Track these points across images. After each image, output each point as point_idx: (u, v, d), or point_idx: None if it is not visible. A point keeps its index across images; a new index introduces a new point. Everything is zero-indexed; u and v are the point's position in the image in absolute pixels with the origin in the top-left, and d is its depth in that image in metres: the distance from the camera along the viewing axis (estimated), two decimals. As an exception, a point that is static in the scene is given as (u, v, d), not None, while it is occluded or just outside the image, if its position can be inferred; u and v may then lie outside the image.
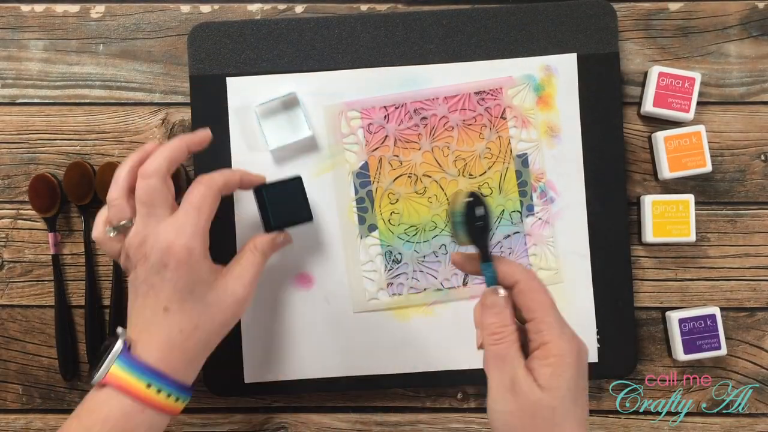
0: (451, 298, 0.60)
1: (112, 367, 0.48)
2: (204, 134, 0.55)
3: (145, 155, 0.53)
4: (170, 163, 0.52)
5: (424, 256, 0.60)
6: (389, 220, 0.61)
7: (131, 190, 0.52)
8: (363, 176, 0.61)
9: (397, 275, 0.60)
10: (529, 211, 0.61)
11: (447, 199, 0.60)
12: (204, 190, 0.52)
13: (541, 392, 0.44)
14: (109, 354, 0.49)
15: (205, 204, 0.51)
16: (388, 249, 0.61)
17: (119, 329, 0.51)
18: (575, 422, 0.44)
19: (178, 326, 0.50)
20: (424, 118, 0.60)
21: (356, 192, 0.61)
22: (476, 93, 0.60)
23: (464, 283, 0.60)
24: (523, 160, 0.61)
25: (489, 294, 0.47)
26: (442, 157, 0.61)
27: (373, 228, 0.61)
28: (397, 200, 0.61)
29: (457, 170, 0.61)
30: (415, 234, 0.60)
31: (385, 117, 0.61)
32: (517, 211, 0.61)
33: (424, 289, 0.60)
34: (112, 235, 0.52)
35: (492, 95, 0.61)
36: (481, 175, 0.61)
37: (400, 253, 0.60)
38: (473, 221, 0.46)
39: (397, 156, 0.61)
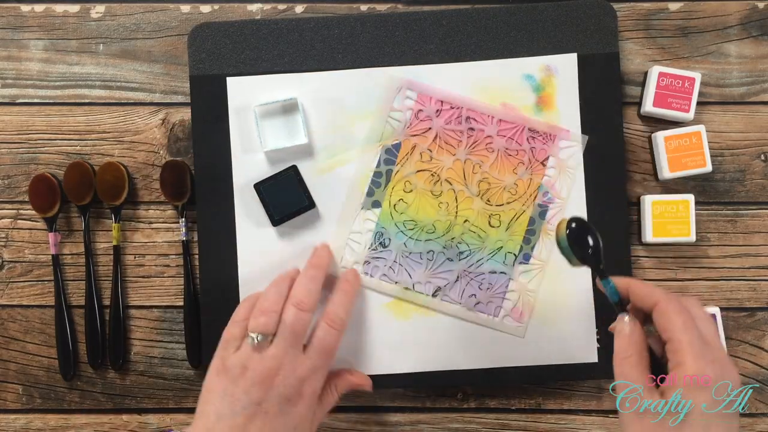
0: (416, 303, 0.60)
1: None
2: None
3: (320, 268, 0.56)
4: (318, 300, 0.55)
5: (410, 253, 0.60)
6: (395, 206, 0.60)
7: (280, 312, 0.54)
8: (391, 154, 0.61)
9: (377, 258, 0.60)
10: (525, 259, 0.61)
11: (456, 211, 0.60)
12: (336, 337, 0.54)
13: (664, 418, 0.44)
14: None
15: (335, 348, 0.55)
16: (380, 230, 0.60)
17: (174, 429, 0.52)
18: None
19: None
20: (472, 129, 0.60)
21: (378, 165, 0.61)
22: (530, 129, 0.60)
23: (434, 295, 0.60)
24: (542, 211, 0.61)
25: (618, 321, 0.48)
26: (470, 172, 0.61)
27: (377, 205, 0.61)
28: (411, 191, 0.60)
29: (478, 190, 0.60)
30: (413, 229, 0.60)
31: (437, 111, 0.61)
32: (513, 254, 0.60)
33: (396, 282, 0.60)
34: (255, 343, 0.52)
35: (543, 139, 0.60)
36: (497, 205, 0.60)
37: (389, 239, 0.60)
38: (582, 245, 0.48)
39: (431, 151, 0.61)
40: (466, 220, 0.60)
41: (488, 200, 0.60)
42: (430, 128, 0.61)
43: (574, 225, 0.48)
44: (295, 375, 0.52)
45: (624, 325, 0.47)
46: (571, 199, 0.61)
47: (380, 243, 0.60)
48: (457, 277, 0.60)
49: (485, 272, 0.60)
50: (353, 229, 0.60)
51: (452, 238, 0.60)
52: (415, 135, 0.61)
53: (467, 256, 0.60)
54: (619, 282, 0.48)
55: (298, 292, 0.54)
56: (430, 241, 0.60)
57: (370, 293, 0.60)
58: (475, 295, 0.60)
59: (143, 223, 0.62)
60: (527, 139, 0.60)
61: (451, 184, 0.61)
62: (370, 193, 0.61)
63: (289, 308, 0.53)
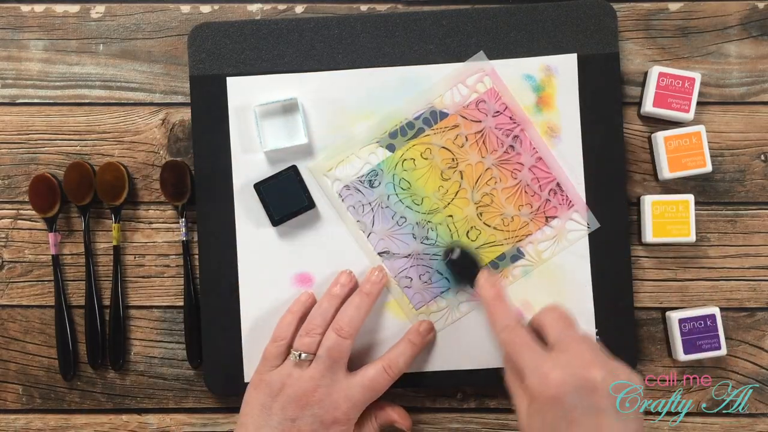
0: (361, 248, 0.60)
1: None
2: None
3: (370, 297, 0.57)
4: (357, 330, 0.56)
5: (387, 207, 0.60)
6: (404, 161, 0.60)
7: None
8: (434, 117, 0.61)
9: (358, 189, 0.60)
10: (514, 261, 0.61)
11: (448, 202, 0.60)
12: (387, 378, 0.56)
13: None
14: None
15: (381, 387, 0.56)
16: (377, 170, 0.61)
17: None
18: None
19: None
20: (513, 147, 0.60)
21: (416, 117, 0.60)
22: (558, 184, 0.60)
23: (379, 254, 0.60)
24: (516, 256, 0.60)
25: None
26: (484, 180, 0.61)
27: (391, 148, 0.60)
28: (426, 159, 0.60)
29: (479, 200, 0.61)
30: (404, 190, 0.60)
31: (496, 112, 0.61)
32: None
33: (357, 221, 0.60)
34: (297, 360, 0.54)
35: (562, 200, 0.60)
36: (484, 224, 0.60)
37: (379, 183, 0.60)
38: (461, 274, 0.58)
39: (467, 140, 0.60)
40: (450, 215, 0.60)
41: (480, 213, 0.60)
42: (480, 121, 0.61)
43: (454, 256, 0.57)
44: (330, 398, 0.54)
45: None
46: (547, 263, 0.61)
47: (369, 180, 0.60)
48: (409, 254, 0.60)
49: (433, 268, 0.61)
50: (359, 153, 0.60)
51: (429, 221, 0.60)
52: (463, 117, 0.61)
53: (430, 244, 0.60)
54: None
55: (340, 318, 0.56)
56: (410, 210, 0.61)
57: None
58: (411, 279, 0.60)
59: (143, 223, 0.62)
60: (550, 190, 0.61)
61: (461, 178, 0.61)
62: (392, 135, 0.61)
63: (329, 333, 0.55)
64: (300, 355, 0.54)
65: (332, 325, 0.55)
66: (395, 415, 0.58)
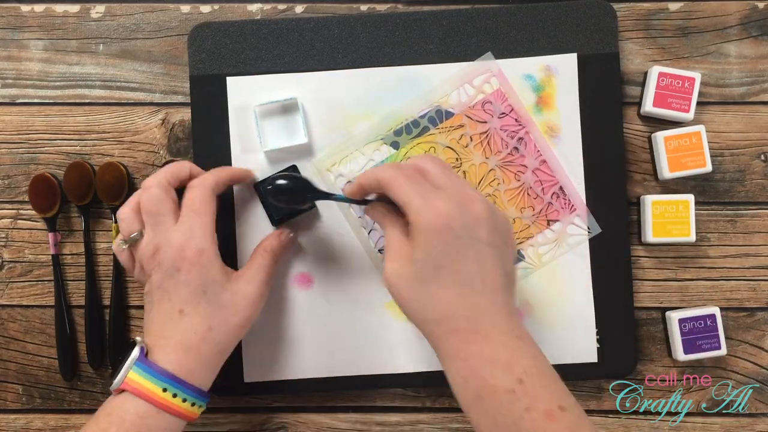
0: (362, 244, 0.60)
1: (130, 373, 0.50)
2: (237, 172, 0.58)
3: (169, 167, 0.55)
4: (171, 176, 0.54)
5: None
6: (408, 158, 0.60)
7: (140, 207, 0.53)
8: (439, 116, 0.61)
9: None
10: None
11: None
12: (199, 192, 0.53)
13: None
14: (126, 360, 0.50)
15: (203, 205, 0.53)
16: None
17: (137, 337, 0.52)
18: (444, 281, 0.47)
19: (192, 328, 0.51)
20: (517, 149, 0.60)
21: (421, 116, 0.60)
22: (561, 188, 0.60)
23: (379, 251, 0.60)
24: (517, 259, 0.60)
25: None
26: (487, 181, 0.61)
27: (395, 145, 0.60)
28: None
29: None
30: None
31: (502, 114, 0.61)
32: None
33: (359, 217, 0.60)
34: (124, 248, 0.54)
35: (564, 203, 0.60)
36: None
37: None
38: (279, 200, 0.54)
39: (471, 140, 0.60)
40: None
41: None
42: (485, 122, 0.61)
43: (269, 186, 0.53)
44: (170, 245, 0.51)
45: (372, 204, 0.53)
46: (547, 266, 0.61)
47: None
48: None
49: None
50: (363, 150, 0.61)
51: None
52: (468, 117, 0.61)
53: None
54: (348, 188, 0.54)
55: (144, 181, 0.54)
56: None
57: (369, 295, 0.60)
58: None
59: (143, 223, 0.62)
60: (553, 193, 0.61)
61: (464, 178, 0.60)
62: (397, 133, 0.61)
63: (139, 195, 0.53)
64: (124, 242, 0.53)
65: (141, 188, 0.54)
66: (277, 235, 0.58)
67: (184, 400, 0.50)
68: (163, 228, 0.52)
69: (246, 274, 0.55)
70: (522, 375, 0.45)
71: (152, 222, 0.52)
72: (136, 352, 0.50)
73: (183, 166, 0.55)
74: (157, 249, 0.52)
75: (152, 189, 0.53)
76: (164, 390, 0.49)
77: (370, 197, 0.54)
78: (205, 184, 0.54)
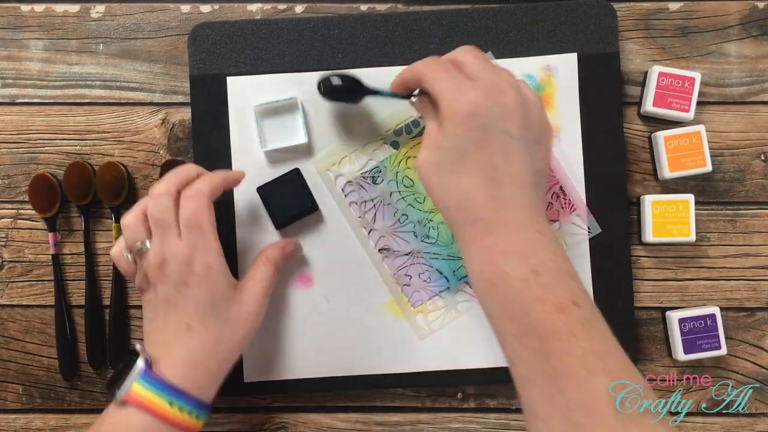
0: (362, 244, 0.60)
1: (134, 385, 0.49)
2: (234, 175, 0.57)
3: (178, 171, 0.54)
4: (180, 184, 0.53)
5: (389, 204, 0.60)
6: (407, 159, 0.60)
7: (146, 215, 0.52)
8: None
9: (360, 186, 0.60)
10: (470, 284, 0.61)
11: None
12: (196, 204, 0.52)
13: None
14: (130, 371, 0.49)
15: (204, 219, 0.52)
16: (380, 167, 0.60)
17: (137, 345, 0.51)
18: (468, 169, 0.47)
19: (200, 343, 0.51)
20: None
21: (421, 116, 0.59)
22: (562, 188, 0.60)
23: (379, 250, 0.60)
24: None
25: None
26: None
27: (395, 145, 0.60)
28: None
29: None
30: (407, 188, 0.60)
31: None
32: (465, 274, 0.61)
33: (359, 217, 0.60)
34: (129, 257, 0.53)
35: (565, 203, 0.60)
36: None
37: (381, 180, 0.60)
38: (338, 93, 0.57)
39: None
40: None
41: None
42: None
43: (327, 84, 0.56)
44: (177, 259, 0.51)
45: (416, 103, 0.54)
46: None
47: (372, 177, 0.61)
48: (410, 252, 0.60)
49: (433, 267, 0.60)
50: (363, 150, 0.61)
51: (430, 220, 0.60)
52: None
53: (430, 243, 0.60)
54: (393, 82, 0.54)
55: (153, 188, 0.53)
56: (412, 208, 0.61)
57: (369, 295, 0.60)
58: (410, 277, 0.60)
59: (143, 223, 0.62)
60: (553, 193, 0.61)
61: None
62: (397, 133, 0.61)
63: (147, 203, 0.52)
64: (134, 250, 0.52)
65: (147, 198, 0.53)
66: (283, 243, 0.58)
67: (190, 413, 0.50)
68: (171, 239, 0.51)
69: (249, 284, 0.54)
70: (537, 267, 0.45)
71: (160, 232, 0.51)
72: (141, 364, 0.50)
73: (189, 171, 0.54)
74: (164, 261, 0.51)
75: (162, 198, 0.51)
76: (171, 404, 0.49)
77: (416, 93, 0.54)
78: (200, 195, 0.52)
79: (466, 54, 0.51)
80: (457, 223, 0.49)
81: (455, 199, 0.48)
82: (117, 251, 0.54)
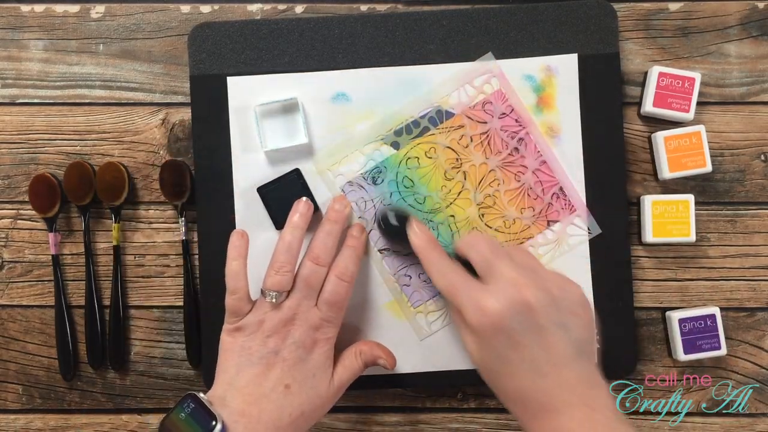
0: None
1: None
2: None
3: (338, 223, 0.57)
4: (335, 251, 0.56)
5: (389, 204, 0.60)
6: (408, 159, 0.60)
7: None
8: (440, 117, 0.60)
9: (361, 186, 0.60)
10: None
11: (450, 202, 0.60)
12: (345, 290, 0.55)
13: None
14: None
15: (345, 302, 0.56)
16: (381, 167, 0.60)
17: (216, 412, 0.49)
18: (511, 369, 0.50)
19: (290, 408, 0.52)
20: (517, 149, 0.60)
21: (422, 116, 0.60)
22: (561, 188, 0.60)
23: (379, 250, 0.60)
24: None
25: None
26: (487, 182, 0.60)
27: (395, 146, 0.60)
28: (431, 158, 0.60)
29: (481, 202, 0.60)
30: (407, 188, 0.60)
31: (502, 114, 0.61)
32: None
33: (359, 217, 0.60)
34: (274, 301, 0.53)
35: (564, 204, 0.60)
36: (486, 225, 0.60)
37: (382, 180, 0.60)
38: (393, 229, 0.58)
39: (471, 141, 0.60)
40: (452, 215, 0.60)
41: (482, 215, 0.60)
42: (485, 122, 0.61)
43: (393, 221, 0.57)
44: (308, 323, 0.53)
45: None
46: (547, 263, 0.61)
47: (372, 177, 0.60)
48: (410, 252, 0.60)
49: None
50: (363, 150, 0.60)
51: (430, 220, 0.60)
52: (468, 118, 0.61)
53: None
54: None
55: (315, 246, 0.55)
56: (412, 208, 0.61)
57: (369, 295, 0.60)
58: (410, 277, 0.60)
59: (143, 223, 0.62)
60: (553, 194, 0.61)
61: (465, 178, 0.60)
62: (398, 133, 0.61)
63: (306, 263, 0.55)
64: (275, 297, 0.53)
65: (307, 254, 0.55)
66: (378, 350, 0.58)
67: None
68: (309, 304, 0.54)
69: (338, 369, 0.56)
70: None
71: (305, 293, 0.54)
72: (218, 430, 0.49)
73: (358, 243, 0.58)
74: (293, 318, 0.53)
75: (322, 269, 0.54)
76: None
77: None
78: (351, 280, 0.56)
79: (471, 250, 0.53)
80: (515, 414, 0.51)
81: (507, 398, 0.51)
82: (240, 269, 0.54)
